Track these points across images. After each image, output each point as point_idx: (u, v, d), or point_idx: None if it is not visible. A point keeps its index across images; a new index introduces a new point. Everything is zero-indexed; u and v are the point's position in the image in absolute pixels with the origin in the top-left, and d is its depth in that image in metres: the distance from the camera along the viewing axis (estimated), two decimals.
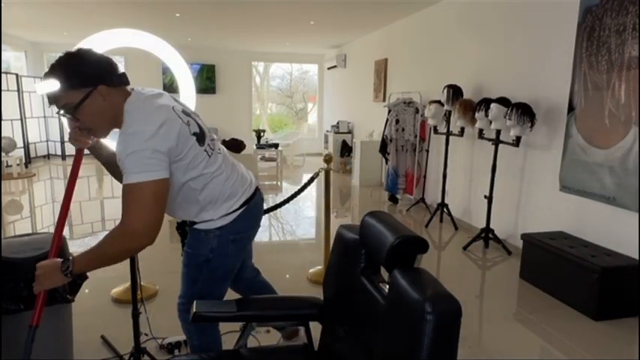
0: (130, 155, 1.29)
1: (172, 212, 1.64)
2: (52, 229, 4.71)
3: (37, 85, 1.21)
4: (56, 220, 1.52)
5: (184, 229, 1.70)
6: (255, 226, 1.76)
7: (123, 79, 1.42)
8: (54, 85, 1.31)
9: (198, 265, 1.65)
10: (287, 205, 3.36)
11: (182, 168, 1.44)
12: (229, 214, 1.60)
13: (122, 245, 1.33)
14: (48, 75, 1.33)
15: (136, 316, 2.14)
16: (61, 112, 1.37)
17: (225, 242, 1.62)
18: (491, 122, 3.95)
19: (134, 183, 1.28)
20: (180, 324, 1.80)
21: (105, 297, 2.96)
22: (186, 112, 1.49)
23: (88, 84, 1.34)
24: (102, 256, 1.35)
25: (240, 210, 1.63)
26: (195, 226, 1.62)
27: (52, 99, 1.36)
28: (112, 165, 1.55)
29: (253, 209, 1.70)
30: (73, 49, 1.40)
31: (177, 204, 1.60)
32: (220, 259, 1.65)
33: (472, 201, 4.78)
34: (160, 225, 1.34)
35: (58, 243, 1.49)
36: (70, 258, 1.34)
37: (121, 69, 1.44)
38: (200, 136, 1.49)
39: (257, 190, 1.75)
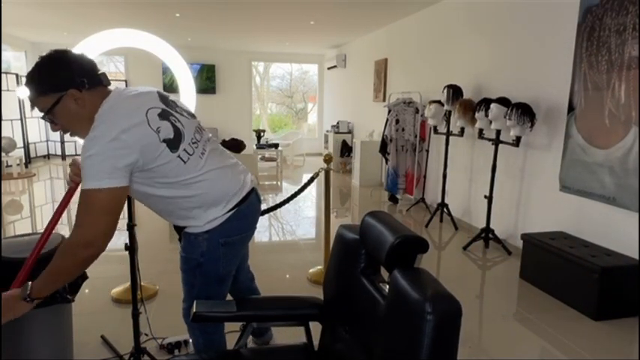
0: (87, 159, 1.26)
1: (162, 217, 1.62)
2: None
3: (17, 89, 1.31)
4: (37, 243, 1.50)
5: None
6: (249, 228, 1.69)
7: (100, 81, 1.40)
8: (27, 91, 1.36)
9: (191, 270, 1.62)
10: (287, 205, 3.36)
11: (152, 177, 1.40)
12: (217, 218, 1.55)
13: (70, 258, 1.30)
14: (25, 80, 1.37)
15: (136, 316, 2.14)
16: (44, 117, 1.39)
17: (215, 246, 1.57)
18: (491, 122, 3.95)
19: (87, 189, 1.26)
20: (181, 325, 1.80)
21: (105, 297, 2.96)
22: (164, 114, 1.42)
23: (58, 89, 1.33)
24: (56, 273, 1.32)
25: (230, 213, 1.57)
26: (186, 230, 1.59)
27: (31, 104, 1.38)
28: None
29: (245, 211, 1.62)
30: (48, 52, 1.37)
31: (159, 211, 1.57)
32: (212, 263, 1.60)
33: (472, 201, 4.78)
34: (112, 233, 1.31)
35: (29, 269, 1.44)
36: (29, 284, 1.31)
37: (102, 69, 1.42)
38: (174, 142, 1.41)
39: (252, 190, 1.68)
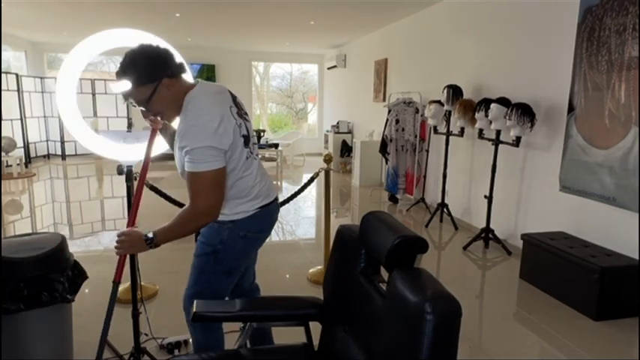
0: (195, 150, 1.46)
1: None
2: (52, 229, 4.73)
3: (111, 85, 1.57)
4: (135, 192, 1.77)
5: None
6: (267, 230, 1.80)
7: (181, 69, 1.59)
8: (126, 85, 1.50)
9: (206, 255, 1.71)
10: (287, 205, 3.36)
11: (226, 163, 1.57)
12: (245, 211, 1.69)
13: (192, 223, 1.55)
14: (119, 76, 1.51)
15: (136, 316, 2.14)
16: (133, 104, 1.55)
17: (235, 237, 1.68)
18: (491, 122, 3.95)
19: (197, 172, 1.47)
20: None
21: (105, 297, 2.94)
22: (240, 114, 1.64)
23: (154, 79, 1.51)
24: (177, 232, 1.56)
25: (257, 210, 1.70)
26: None
27: (126, 96, 1.54)
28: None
29: (268, 212, 1.77)
30: (134, 46, 1.52)
31: None
32: (228, 253, 1.70)
33: (472, 201, 4.78)
34: (221, 204, 1.56)
35: (135, 214, 1.75)
36: (152, 234, 1.56)
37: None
38: (246, 139, 1.64)
39: (276, 199, 1.84)
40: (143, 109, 1.57)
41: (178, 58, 1.62)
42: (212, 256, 1.69)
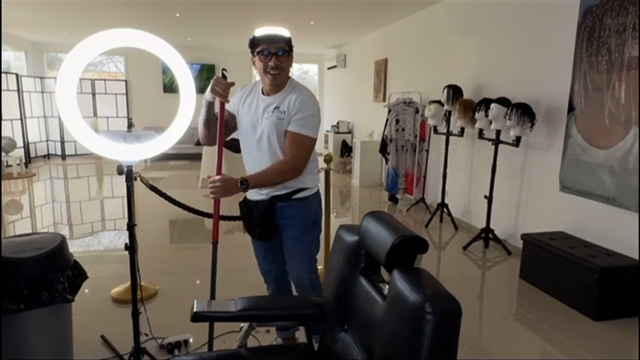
0: (311, 116, 1.85)
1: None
2: (52, 229, 4.72)
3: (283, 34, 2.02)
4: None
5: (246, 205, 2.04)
6: None
7: None
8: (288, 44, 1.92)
9: (311, 227, 2.00)
10: None
11: None
12: (317, 184, 2.06)
13: (284, 174, 1.85)
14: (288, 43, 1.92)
15: (135, 316, 2.14)
16: (279, 53, 1.86)
17: (319, 204, 2.05)
18: (491, 122, 3.95)
19: (305, 135, 1.85)
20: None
21: (105, 297, 2.96)
22: None
23: (292, 51, 1.93)
24: (268, 179, 1.84)
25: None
26: (297, 196, 1.95)
27: (285, 53, 1.88)
28: (210, 123, 2.03)
29: None
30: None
31: None
32: (320, 219, 2.05)
33: (472, 201, 4.78)
34: (306, 164, 1.89)
35: (220, 165, 1.98)
36: (245, 178, 1.80)
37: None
38: None
39: None
40: (274, 65, 1.85)
41: None
42: (314, 225, 2.01)
